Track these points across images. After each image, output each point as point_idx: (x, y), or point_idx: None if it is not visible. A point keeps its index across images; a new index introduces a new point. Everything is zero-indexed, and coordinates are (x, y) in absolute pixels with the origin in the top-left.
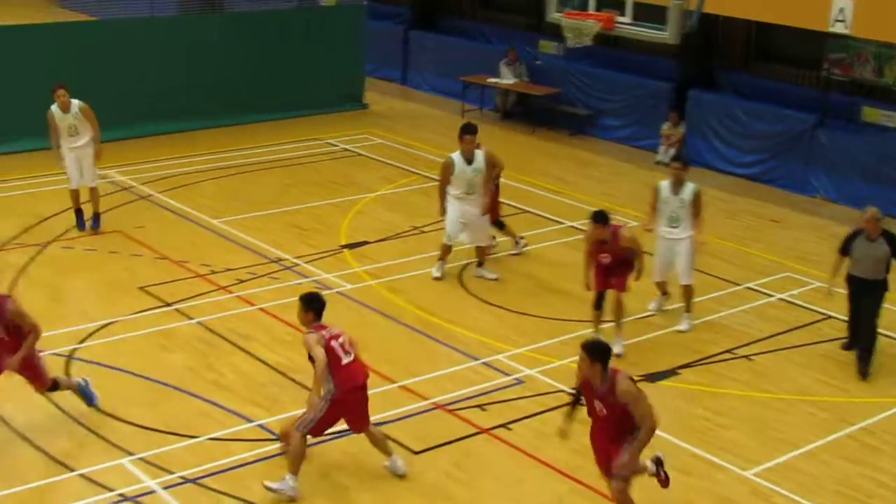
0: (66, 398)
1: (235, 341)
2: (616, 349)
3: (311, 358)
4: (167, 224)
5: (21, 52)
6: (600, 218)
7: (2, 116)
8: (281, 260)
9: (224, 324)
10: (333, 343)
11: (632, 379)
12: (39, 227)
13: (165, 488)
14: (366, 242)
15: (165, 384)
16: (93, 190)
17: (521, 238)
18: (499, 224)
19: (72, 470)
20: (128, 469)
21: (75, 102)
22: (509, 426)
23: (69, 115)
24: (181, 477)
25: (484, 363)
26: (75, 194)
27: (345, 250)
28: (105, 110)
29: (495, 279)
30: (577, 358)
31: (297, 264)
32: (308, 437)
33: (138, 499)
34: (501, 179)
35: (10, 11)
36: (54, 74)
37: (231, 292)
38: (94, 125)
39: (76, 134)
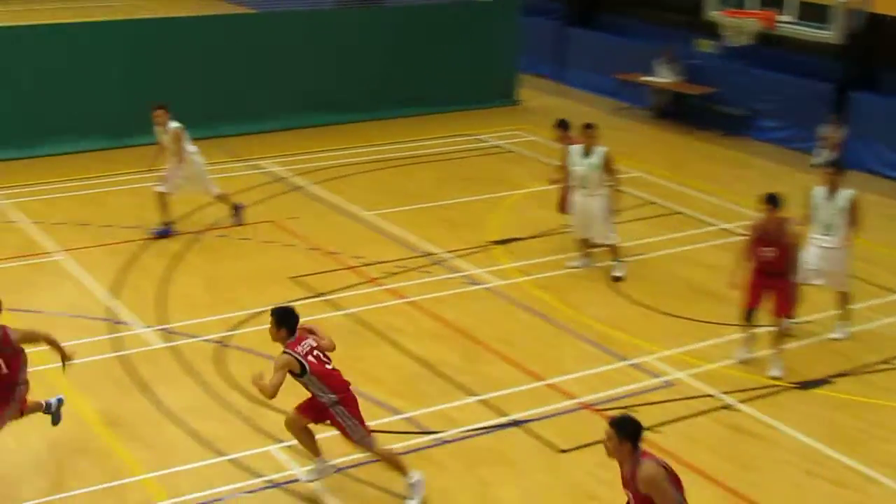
0: (217, 382)
1: (384, 333)
2: (773, 372)
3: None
4: (320, 215)
5: (182, 43)
6: (773, 200)
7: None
8: (431, 254)
9: (373, 316)
10: (311, 357)
11: (665, 466)
12: (196, 216)
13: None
14: (516, 239)
15: None
16: (216, 196)
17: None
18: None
19: (222, 454)
20: (275, 456)
21: (172, 126)
22: (657, 429)
23: (166, 137)
24: (328, 466)
25: (632, 364)
26: (161, 197)
27: (494, 246)
28: (261, 102)
29: (621, 277)
30: (728, 362)
31: (446, 259)
32: (372, 435)
33: (285, 486)
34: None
35: (174, 4)
36: (215, 65)
37: (381, 285)
38: (175, 152)
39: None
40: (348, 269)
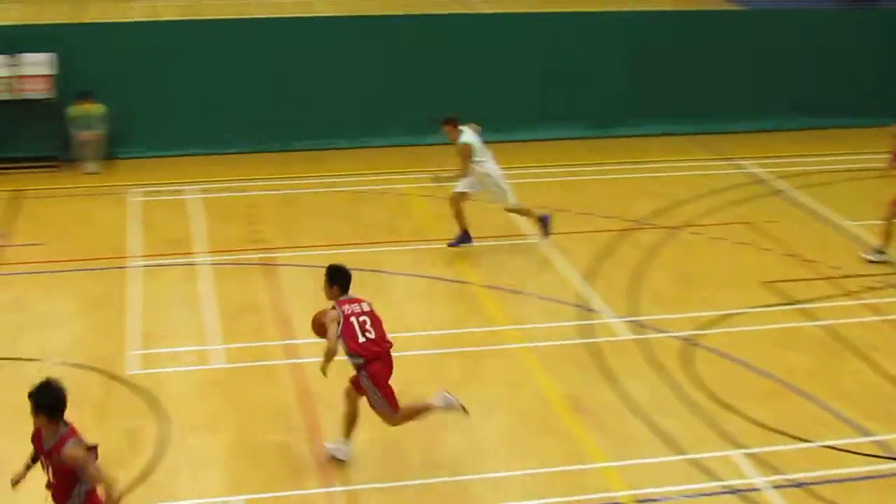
0: (683, 380)
1: (859, 349)
2: None
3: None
4: (800, 221)
5: (679, 38)
6: None
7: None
8: None
9: (849, 330)
10: (353, 320)
11: None
12: (673, 211)
13: (773, 488)
14: None
15: (783, 382)
16: (511, 208)
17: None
18: None
19: (682, 453)
20: (736, 462)
21: (461, 141)
22: None
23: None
24: (791, 480)
25: None
26: (456, 203)
27: None
28: (750, 101)
29: None
30: None
31: None
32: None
33: (744, 493)
34: None
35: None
36: (708, 61)
37: (859, 299)
38: (462, 167)
39: None
40: (825, 279)
